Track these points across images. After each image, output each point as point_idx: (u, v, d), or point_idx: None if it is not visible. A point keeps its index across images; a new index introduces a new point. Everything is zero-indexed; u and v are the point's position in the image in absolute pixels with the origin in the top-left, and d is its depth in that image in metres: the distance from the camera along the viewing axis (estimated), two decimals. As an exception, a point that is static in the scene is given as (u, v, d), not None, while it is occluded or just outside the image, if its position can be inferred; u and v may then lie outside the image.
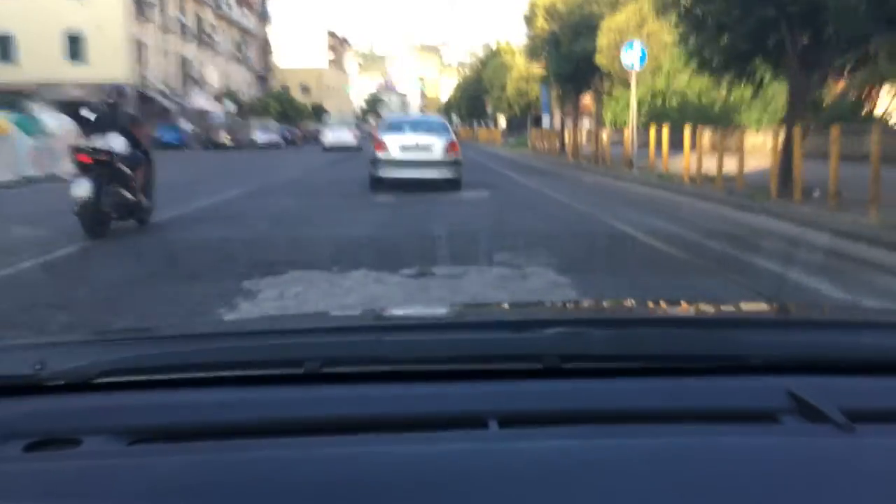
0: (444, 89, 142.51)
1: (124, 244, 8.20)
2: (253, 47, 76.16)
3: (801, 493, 0.84)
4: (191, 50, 55.83)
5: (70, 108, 15.47)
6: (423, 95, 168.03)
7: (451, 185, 14.22)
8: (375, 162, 14.33)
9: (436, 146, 14.26)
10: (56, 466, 0.90)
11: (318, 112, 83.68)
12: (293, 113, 63.67)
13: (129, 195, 8.64)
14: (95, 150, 8.31)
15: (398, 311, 2.30)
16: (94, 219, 8.10)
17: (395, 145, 14.22)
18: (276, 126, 52.12)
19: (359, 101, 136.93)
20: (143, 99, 46.43)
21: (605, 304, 2.19)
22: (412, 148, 14.21)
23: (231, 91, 52.45)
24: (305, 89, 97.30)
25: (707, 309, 1.89)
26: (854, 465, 0.89)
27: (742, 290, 5.86)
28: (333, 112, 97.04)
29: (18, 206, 12.53)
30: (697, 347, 1.19)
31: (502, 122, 64.76)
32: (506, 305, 3.03)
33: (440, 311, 2.32)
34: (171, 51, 51.67)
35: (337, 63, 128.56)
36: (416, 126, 15.27)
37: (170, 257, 7.45)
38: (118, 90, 9.37)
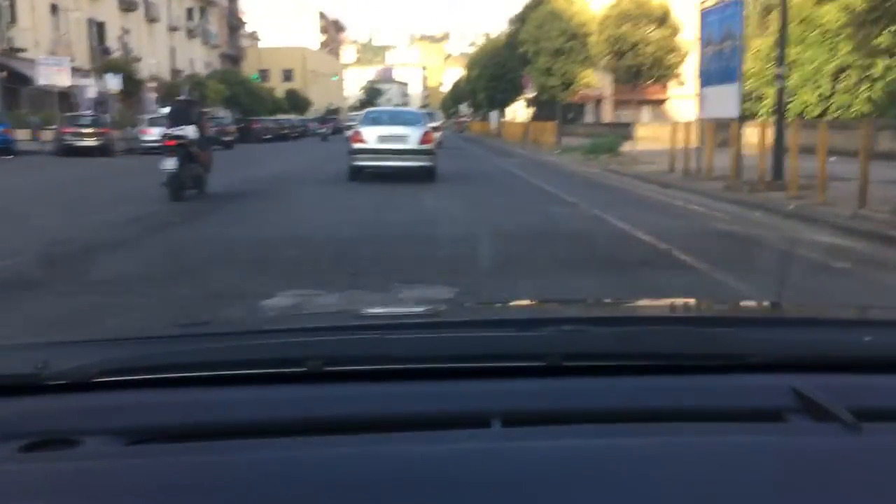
0: (448, 79, 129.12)
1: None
2: (215, 19, 60.85)
3: (809, 492, 0.83)
4: (107, 11, 40.44)
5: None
6: (426, 86, 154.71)
7: (426, 173, 14.41)
8: (353, 152, 14.68)
9: (411, 137, 14.57)
10: (55, 467, 0.89)
11: (296, 101, 67.82)
12: (250, 100, 47.28)
13: (200, 170, 11.75)
14: (178, 137, 11.33)
15: (400, 310, 2.20)
16: (177, 187, 11.01)
17: (372, 136, 14.54)
18: (213, 115, 35.89)
19: (356, 92, 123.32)
20: (12, 76, 30.99)
21: (607, 302, 2.08)
22: (388, 138, 14.51)
23: (118, 61, 34.80)
24: (288, 75, 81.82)
25: (711, 307, 1.89)
26: (862, 465, 0.87)
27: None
28: (320, 103, 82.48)
29: None
30: (702, 346, 1.16)
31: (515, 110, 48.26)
32: (509, 304, 2.53)
33: (442, 309, 2.14)
34: (68, 8, 36.18)
35: (330, 49, 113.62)
36: (393, 118, 15.92)
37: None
38: (187, 92, 14.01)
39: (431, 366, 1.09)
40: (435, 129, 17.36)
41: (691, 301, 2.07)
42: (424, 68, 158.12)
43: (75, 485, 0.84)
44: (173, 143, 11.18)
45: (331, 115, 65.84)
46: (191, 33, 54.21)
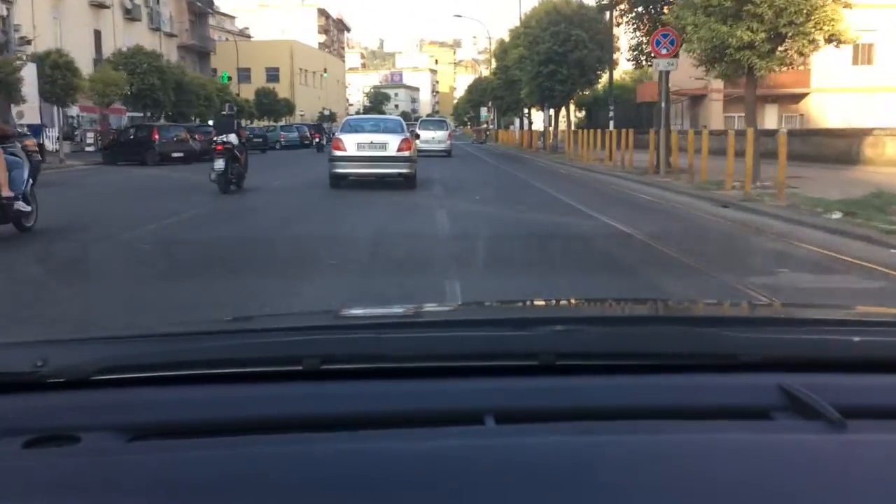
0: (460, 84, 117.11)
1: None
2: (171, 1, 47.81)
3: (795, 488, 0.85)
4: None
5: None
6: (436, 91, 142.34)
7: (406, 181, 14.84)
8: (333, 159, 15.21)
9: (390, 144, 14.94)
10: (55, 463, 0.90)
11: (271, 103, 54.34)
12: (180, 98, 33.04)
13: (241, 169, 14.92)
14: (224, 142, 14.34)
15: (397, 309, 2.16)
16: (225, 182, 14.11)
17: (351, 143, 14.96)
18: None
19: (361, 98, 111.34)
20: None
21: (600, 302, 2.05)
22: (367, 146, 14.95)
23: None
24: (273, 75, 68.70)
25: (701, 307, 1.92)
26: (846, 461, 0.90)
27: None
28: (313, 107, 69.63)
29: None
30: (691, 345, 1.18)
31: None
32: (503, 303, 2.53)
33: (438, 308, 2.28)
34: None
35: (331, 51, 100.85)
36: (374, 125, 16.29)
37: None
38: (230, 107, 16.90)
39: (427, 364, 1.10)
40: (416, 135, 18.90)
41: (683, 301, 2.08)
42: (435, 66, 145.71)
43: (76, 481, 0.85)
44: (221, 147, 14.16)
45: (324, 122, 52.85)
46: (129, 14, 41.12)
